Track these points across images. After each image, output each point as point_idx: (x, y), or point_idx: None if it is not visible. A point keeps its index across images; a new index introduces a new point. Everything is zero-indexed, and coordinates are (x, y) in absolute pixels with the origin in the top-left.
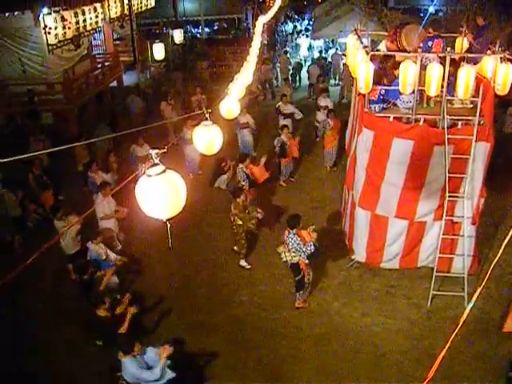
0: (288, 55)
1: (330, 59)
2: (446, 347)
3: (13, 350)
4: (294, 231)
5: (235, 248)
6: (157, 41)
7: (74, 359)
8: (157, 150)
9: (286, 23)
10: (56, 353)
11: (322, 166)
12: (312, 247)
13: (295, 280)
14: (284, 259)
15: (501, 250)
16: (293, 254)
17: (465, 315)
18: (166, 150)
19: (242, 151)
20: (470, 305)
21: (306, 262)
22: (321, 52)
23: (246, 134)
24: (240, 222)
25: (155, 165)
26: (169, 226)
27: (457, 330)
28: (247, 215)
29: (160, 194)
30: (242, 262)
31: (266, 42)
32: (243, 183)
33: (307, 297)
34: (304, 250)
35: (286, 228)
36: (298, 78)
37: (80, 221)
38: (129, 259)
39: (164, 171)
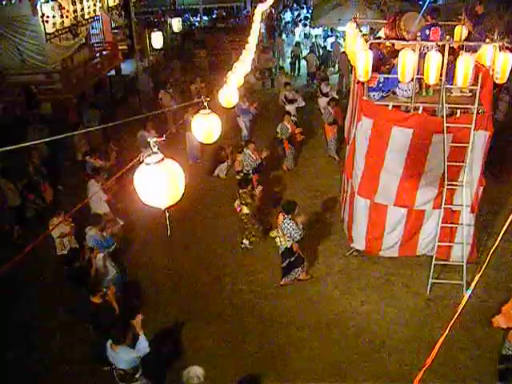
0: (284, 37)
1: (329, 47)
2: (444, 335)
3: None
4: (290, 216)
5: (244, 242)
6: (155, 29)
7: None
8: (155, 139)
9: (286, 12)
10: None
11: (321, 154)
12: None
13: (289, 262)
14: (278, 244)
15: (499, 238)
16: (287, 239)
17: (463, 302)
18: (164, 139)
19: (246, 137)
20: (469, 291)
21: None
22: (316, 37)
23: (248, 119)
24: (247, 211)
25: (154, 153)
26: (167, 214)
27: (455, 317)
28: (253, 202)
29: (158, 182)
30: (245, 241)
31: (264, 30)
32: (247, 168)
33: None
34: (299, 233)
35: (280, 212)
36: (297, 66)
37: (62, 222)
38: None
39: (162, 159)
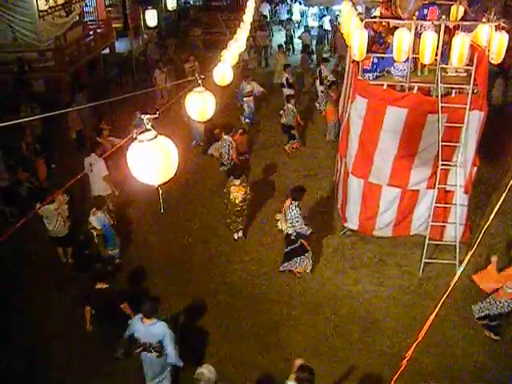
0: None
1: (326, 26)
2: (435, 312)
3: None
4: (297, 203)
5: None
6: (149, 7)
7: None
8: (148, 116)
9: None
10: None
11: (316, 135)
12: (308, 231)
13: (291, 249)
14: (279, 227)
15: (490, 218)
16: (288, 225)
17: (455, 279)
18: (158, 116)
19: (248, 119)
20: (461, 268)
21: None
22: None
23: (251, 102)
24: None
25: (147, 130)
26: (161, 191)
27: (446, 294)
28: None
29: (151, 159)
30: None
31: (258, 9)
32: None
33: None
34: (299, 226)
35: (288, 197)
36: (291, 46)
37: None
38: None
39: (155, 137)
